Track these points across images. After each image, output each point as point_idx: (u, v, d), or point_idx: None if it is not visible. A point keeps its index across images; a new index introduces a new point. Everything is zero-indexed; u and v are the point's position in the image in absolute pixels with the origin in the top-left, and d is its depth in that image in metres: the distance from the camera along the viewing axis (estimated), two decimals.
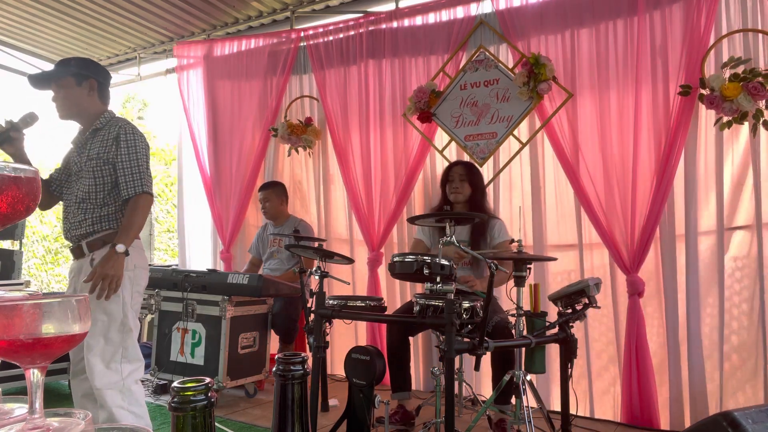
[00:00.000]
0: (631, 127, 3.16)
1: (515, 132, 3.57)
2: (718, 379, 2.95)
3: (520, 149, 3.56)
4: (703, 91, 2.97)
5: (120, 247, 2.12)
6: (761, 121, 2.86)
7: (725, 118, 2.92)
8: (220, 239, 4.80)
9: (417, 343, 3.75)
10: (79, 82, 2.28)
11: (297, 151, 4.48)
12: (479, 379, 3.59)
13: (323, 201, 4.40)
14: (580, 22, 3.34)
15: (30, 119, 2.17)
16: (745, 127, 2.94)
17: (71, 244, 2.33)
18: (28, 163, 2.20)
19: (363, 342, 4.05)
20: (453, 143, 3.78)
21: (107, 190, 2.26)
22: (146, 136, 2.39)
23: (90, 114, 2.33)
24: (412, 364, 3.10)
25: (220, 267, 4.75)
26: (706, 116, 3.05)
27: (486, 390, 3.54)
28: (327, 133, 4.33)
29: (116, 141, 2.25)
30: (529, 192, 3.54)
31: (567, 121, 3.36)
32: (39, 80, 2.31)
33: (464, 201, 3.24)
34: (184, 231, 5.12)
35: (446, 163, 3.61)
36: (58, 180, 2.41)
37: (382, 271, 3.98)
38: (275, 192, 4.12)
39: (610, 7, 3.25)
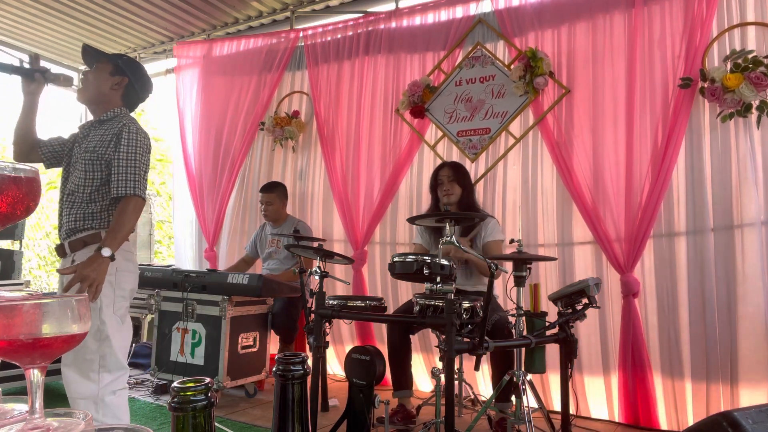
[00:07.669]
0: (627, 122, 3.12)
1: (509, 128, 3.55)
2: (720, 379, 2.93)
3: (513, 145, 3.54)
4: (704, 84, 2.91)
5: (106, 251, 1.97)
6: (766, 113, 2.77)
7: (728, 110, 2.84)
8: (204, 237, 4.77)
9: (417, 343, 3.73)
10: (113, 73, 2.24)
11: (281, 145, 4.46)
12: (479, 379, 3.59)
13: (305, 198, 4.39)
14: (577, 16, 3.33)
15: (64, 80, 2.12)
16: (750, 121, 2.84)
17: (59, 241, 2.23)
18: (33, 119, 2.22)
19: (362, 342, 4.04)
20: (444, 140, 3.76)
21: (95, 186, 2.15)
22: (151, 138, 2.28)
23: (105, 106, 2.25)
24: (412, 363, 3.09)
25: (205, 266, 4.71)
26: (708, 110, 2.98)
27: (486, 390, 3.54)
28: (314, 128, 4.30)
29: (117, 138, 2.14)
30: (520, 188, 3.52)
31: (561, 117, 3.34)
32: (89, 54, 2.27)
33: (456, 201, 3.17)
34: (179, 230, 5.12)
35: (437, 161, 3.59)
36: (51, 147, 2.32)
37: (366, 270, 3.98)
38: (278, 195, 4.08)
39: (607, 0, 3.23)
